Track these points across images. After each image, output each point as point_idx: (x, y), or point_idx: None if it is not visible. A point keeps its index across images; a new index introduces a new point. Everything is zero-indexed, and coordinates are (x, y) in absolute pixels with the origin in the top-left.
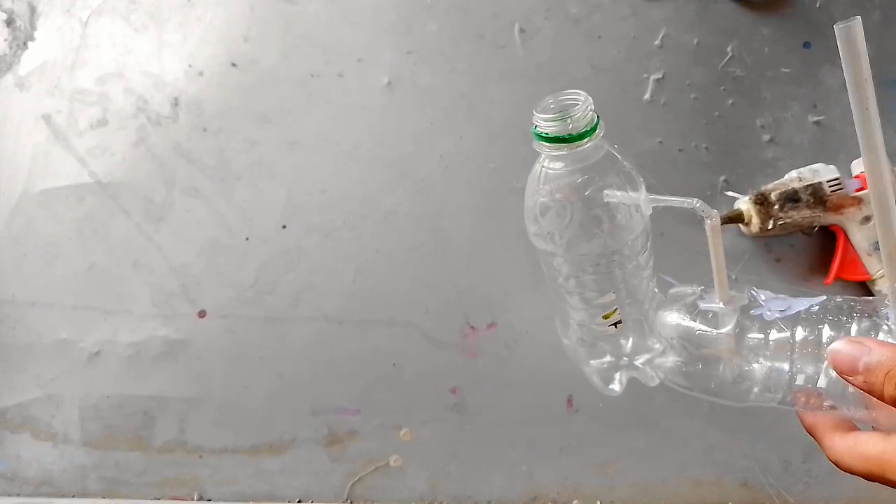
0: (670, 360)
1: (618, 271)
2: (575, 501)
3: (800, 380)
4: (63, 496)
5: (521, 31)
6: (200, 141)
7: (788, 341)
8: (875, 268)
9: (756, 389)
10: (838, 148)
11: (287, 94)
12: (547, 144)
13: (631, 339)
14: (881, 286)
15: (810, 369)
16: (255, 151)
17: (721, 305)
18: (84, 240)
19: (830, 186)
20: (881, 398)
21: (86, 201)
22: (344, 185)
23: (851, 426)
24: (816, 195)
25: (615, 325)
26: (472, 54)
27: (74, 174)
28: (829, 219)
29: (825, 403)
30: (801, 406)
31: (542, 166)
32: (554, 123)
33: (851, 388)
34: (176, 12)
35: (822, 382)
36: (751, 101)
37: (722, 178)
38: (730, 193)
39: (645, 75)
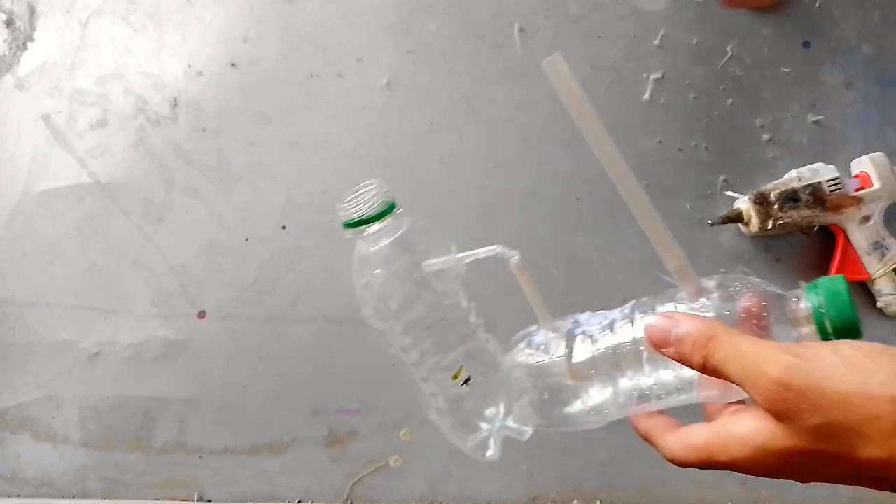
0: (524, 400)
1: (451, 331)
2: (575, 501)
3: (629, 383)
4: (63, 497)
5: (521, 30)
6: (200, 141)
7: (612, 350)
8: (875, 267)
9: (607, 408)
10: (838, 147)
11: (286, 95)
12: (350, 230)
13: (497, 401)
14: (880, 286)
15: (639, 369)
16: (255, 152)
17: (550, 335)
18: (84, 240)
19: (830, 186)
20: (691, 366)
21: (85, 202)
22: (344, 186)
23: (680, 425)
24: (816, 195)
25: (466, 382)
26: (471, 54)
27: (74, 174)
28: (829, 218)
29: (655, 404)
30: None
31: (357, 253)
32: (351, 209)
33: (686, 374)
34: (175, 13)
35: (649, 379)
36: (750, 101)
37: (721, 177)
38: (729, 193)
39: (644, 75)
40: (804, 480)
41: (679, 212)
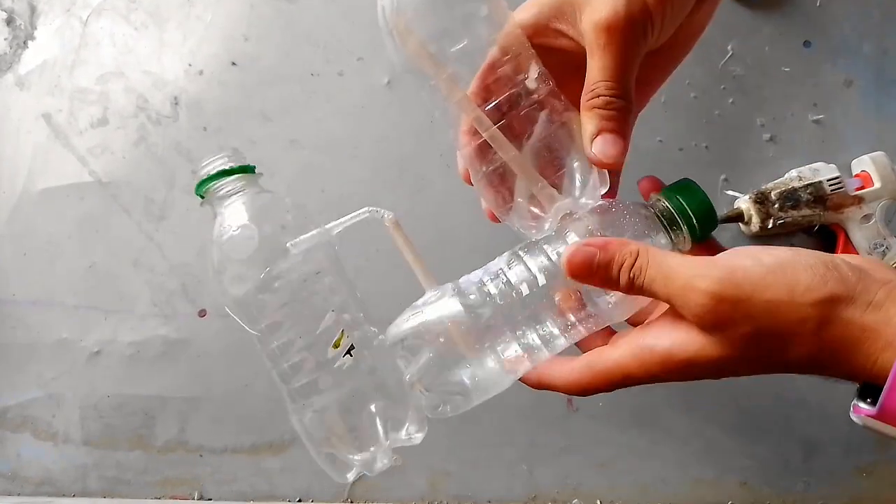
0: (418, 366)
1: (315, 306)
2: (575, 500)
3: (520, 335)
4: (64, 496)
5: None
6: (201, 140)
7: (511, 292)
8: None
9: (498, 366)
10: (838, 147)
11: (287, 93)
12: (205, 189)
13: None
14: None
15: (531, 311)
16: (255, 150)
17: (433, 293)
18: (84, 239)
19: (830, 185)
20: (616, 289)
21: (86, 200)
22: (344, 184)
23: (569, 362)
24: (816, 194)
25: (349, 352)
26: None
27: (75, 173)
28: (830, 218)
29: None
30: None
31: (215, 226)
32: (204, 168)
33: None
34: (176, 11)
35: (540, 324)
36: (751, 100)
37: (722, 176)
38: (730, 192)
39: None
40: (729, 376)
41: None
